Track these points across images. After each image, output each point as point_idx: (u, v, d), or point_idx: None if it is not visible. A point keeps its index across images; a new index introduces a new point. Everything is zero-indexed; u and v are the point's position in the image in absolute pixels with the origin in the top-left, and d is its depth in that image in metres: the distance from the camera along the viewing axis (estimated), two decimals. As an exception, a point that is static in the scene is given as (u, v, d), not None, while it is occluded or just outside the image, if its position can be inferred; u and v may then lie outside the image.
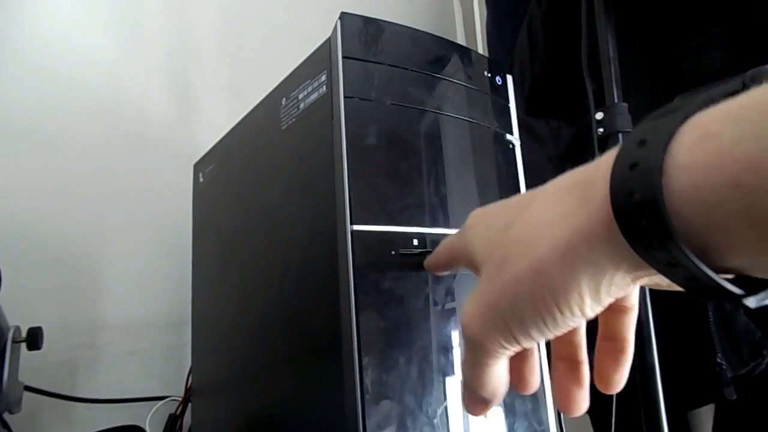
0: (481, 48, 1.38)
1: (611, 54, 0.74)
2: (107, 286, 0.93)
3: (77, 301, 0.90)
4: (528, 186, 0.94)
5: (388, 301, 0.43)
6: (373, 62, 0.48)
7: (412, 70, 0.50)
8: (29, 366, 0.71)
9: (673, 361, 0.70)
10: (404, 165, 0.47)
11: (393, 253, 0.44)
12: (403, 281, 0.44)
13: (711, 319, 0.70)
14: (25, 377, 0.70)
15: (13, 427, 0.71)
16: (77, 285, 0.90)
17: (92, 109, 0.96)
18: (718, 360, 0.68)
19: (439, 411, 0.43)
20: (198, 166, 0.82)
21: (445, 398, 0.44)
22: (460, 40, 1.51)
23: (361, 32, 0.48)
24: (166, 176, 0.98)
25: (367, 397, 0.41)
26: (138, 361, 0.92)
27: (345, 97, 0.46)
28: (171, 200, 0.94)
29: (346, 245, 0.43)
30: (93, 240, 0.93)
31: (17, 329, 0.66)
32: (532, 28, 1.02)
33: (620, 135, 0.71)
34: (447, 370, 0.45)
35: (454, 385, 0.44)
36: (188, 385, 0.83)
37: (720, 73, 0.79)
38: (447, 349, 0.45)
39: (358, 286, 0.43)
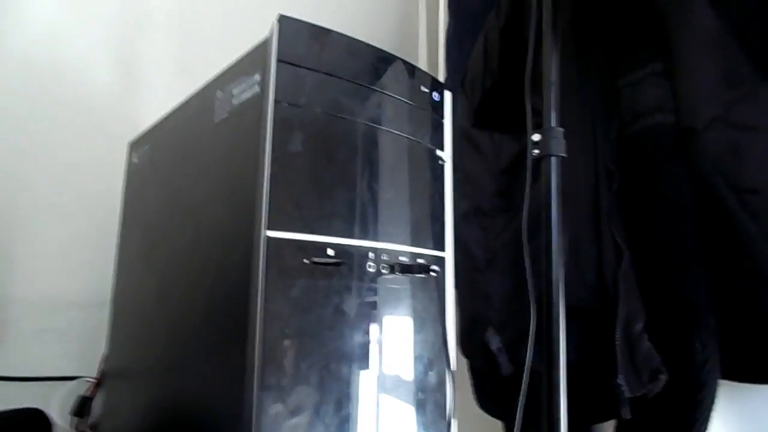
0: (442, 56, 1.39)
1: (553, 78, 0.76)
2: (26, 260, 0.89)
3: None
4: (464, 198, 0.97)
5: (295, 308, 0.44)
6: (307, 68, 0.48)
7: (346, 80, 0.50)
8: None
9: (581, 380, 0.74)
10: (327, 174, 0.47)
11: (306, 261, 0.45)
12: (314, 290, 0.45)
13: (617, 342, 0.74)
14: None
15: None
16: (-7, 256, 0.86)
17: (25, 70, 0.91)
18: (618, 381, 0.72)
19: (336, 421, 0.44)
20: (133, 146, 0.79)
21: (344, 408, 0.45)
22: (422, 45, 1.52)
23: (299, 37, 0.48)
24: (101, 149, 0.94)
25: (264, 398, 0.41)
26: (52, 340, 0.88)
27: (275, 101, 0.46)
28: (103, 175, 0.90)
29: (259, 251, 0.43)
30: (10, 211, 0.88)
31: None
32: (488, 40, 1.03)
33: (553, 158, 0.73)
34: (349, 380, 0.46)
35: (354, 395, 0.45)
36: (102, 368, 0.81)
37: (654, 108, 0.82)
38: (351, 359, 0.46)
39: (267, 291, 0.43)
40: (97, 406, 0.80)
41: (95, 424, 0.79)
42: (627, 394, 0.72)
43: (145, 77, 1.04)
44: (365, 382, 0.47)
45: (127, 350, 0.73)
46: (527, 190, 0.72)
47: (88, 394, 0.82)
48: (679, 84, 0.79)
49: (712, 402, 0.76)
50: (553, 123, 0.75)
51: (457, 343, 1.01)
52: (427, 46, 1.51)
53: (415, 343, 0.51)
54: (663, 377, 0.72)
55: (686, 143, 0.77)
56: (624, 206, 0.80)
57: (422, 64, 1.50)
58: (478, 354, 0.93)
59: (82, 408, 0.81)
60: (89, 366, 0.85)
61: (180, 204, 0.62)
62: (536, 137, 0.75)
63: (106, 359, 0.79)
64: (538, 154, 0.74)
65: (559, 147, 0.74)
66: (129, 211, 0.78)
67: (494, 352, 0.88)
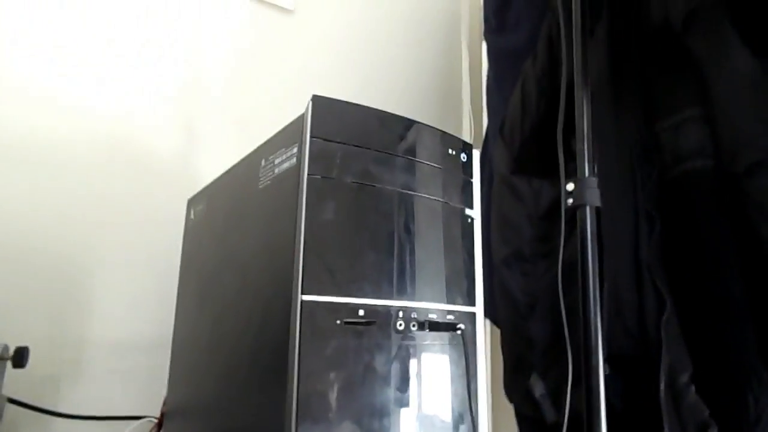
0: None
1: (585, 127, 0.77)
2: (96, 305, 0.98)
3: (66, 318, 0.95)
4: (505, 243, 0.98)
5: (329, 366, 0.47)
6: (338, 142, 0.52)
7: (376, 150, 0.54)
8: (14, 378, 0.76)
9: (624, 428, 0.73)
10: (358, 239, 0.51)
11: (338, 322, 0.48)
12: (346, 348, 0.48)
13: (661, 392, 0.73)
14: (9, 389, 0.75)
15: (-7, 438, 0.76)
16: (67, 303, 0.96)
17: (96, 135, 1.02)
18: (665, 433, 0.70)
19: (366, 474, 0.46)
20: (191, 203, 0.87)
21: (375, 461, 0.47)
22: (465, 93, 1.56)
23: (330, 113, 0.53)
24: (164, 205, 1.03)
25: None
26: (120, 380, 0.96)
27: (309, 174, 0.50)
28: (166, 229, 0.99)
29: (295, 313, 0.47)
30: (85, 260, 0.98)
31: (5, 347, 0.71)
32: (525, 87, 1.06)
33: (587, 208, 0.74)
34: (381, 433, 0.48)
35: (385, 449, 0.48)
36: (163, 409, 0.87)
37: (694, 153, 0.82)
38: (381, 413, 0.49)
39: (303, 351, 0.47)
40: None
41: (156, 462, 0.85)
42: (674, 447, 0.70)
43: (202, 140, 1.14)
44: (397, 436, 0.49)
45: (184, 391, 0.79)
46: (561, 240, 0.73)
47: (150, 433, 0.88)
48: (718, 129, 0.78)
49: (768, 459, 0.72)
50: (587, 173, 0.76)
51: (504, 387, 1.01)
52: (471, 95, 1.55)
53: (445, 397, 0.53)
54: (712, 431, 0.70)
55: (728, 188, 0.76)
56: (666, 253, 0.79)
57: (466, 114, 1.54)
58: (522, 400, 0.93)
59: (145, 447, 0.87)
60: (153, 405, 0.92)
61: (229, 261, 0.67)
62: (570, 187, 0.76)
63: (166, 400, 0.85)
64: (572, 203, 0.75)
65: (593, 197, 0.74)
66: (186, 263, 0.85)
67: (538, 399, 0.88)
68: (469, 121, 1.52)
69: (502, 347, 1.01)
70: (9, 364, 0.72)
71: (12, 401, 0.78)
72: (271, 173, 0.59)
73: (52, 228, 0.95)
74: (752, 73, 0.76)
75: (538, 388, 0.88)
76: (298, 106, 0.57)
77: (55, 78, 1.00)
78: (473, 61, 1.56)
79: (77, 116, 1.01)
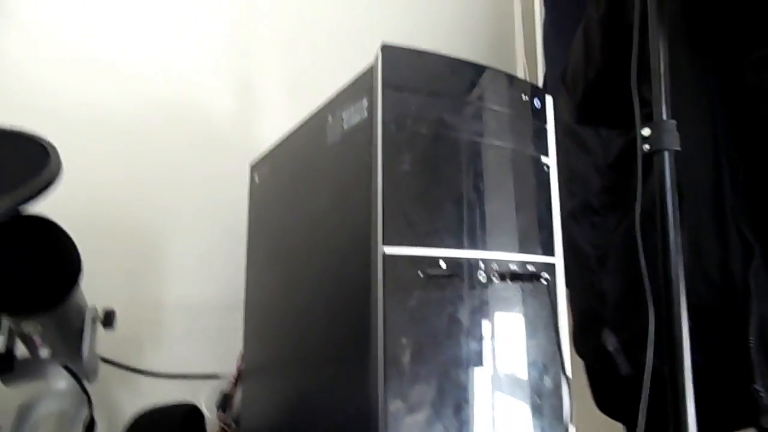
0: (540, 49, 1.36)
1: (662, 69, 0.72)
2: (171, 268, 1.02)
3: (143, 280, 0.99)
4: (571, 196, 0.95)
5: (412, 318, 0.47)
6: (410, 92, 0.51)
7: (448, 98, 0.52)
8: (103, 339, 0.80)
9: (709, 383, 0.70)
10: (435, 190, 0.50)
11: (420, 274, 0.48)
12: (428, 301, 0.48)
13: (751, 344, 0.69)
14: (99, 350, 0.80)
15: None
16: (143, 266, 1.00)
17: (159, 106, 1.04)
18: (756, 387, 0.67)
19: (453, 421, 0.46)
20: (254, 167, 0.88)
21: (461, 409, 0.47)
22: (519, 42, 1.49)
23: (401, 62, 0.51)
24: (228, 170, 1.04)
25: (388, 399, 0.45)
26: (195, 340, 1.00)
27: (383, 125, 0.49)
28: (231, 192, 1.00)
29: (377, 266, 0.47)
30: (159, 225, 1.02)
31: (94, 309, 0.75)
32: (588, 31, 1.00)
33: (666, 153, 0.70)
34: (466, 384, 0.48)
35: (471, 398, 0.48)
36: (239, 366, 0.90)
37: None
38: (466, 364, 0.48)
39: (386, 304, 0.47)
40: (237, 401, 0.90)
41: (237, 418, 0.89)
42: (766, 401, 0.67)
43: (260, 102, 1.14)
44: (481, 386, 0.49)
45: (259, 350, 0.82)
46: (639, 187, 0.70)
47: (228, 390, 0.92)
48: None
49: None
50: (665, 116, 0.72)
51: (572, 344, 0.99)
52: (524, 43, 1.48)
53: (529, 348, 0.53)
54: (807, 383, 0.66)
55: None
56: (752, 198, 0.74)
57: (520, 62, 1.47)
58: (594, 354, 0.91)
59: (225, 403, 0.91)
60: (229, 363, 0.96)
61: (299, 220, 0.68)
62: (646, 132, 0.72)
63: (243, 358, 0.88)
64: (649, 149, 0.71)
65: (672, 141, 0.70)
66: (254, 224, 0.86)
67: (611, 352, 0.86)
68: (524, 71, 1.46)
69: (571, 303, 0.99)
70: (99, 325, 0.76)
71: (104, 360, 0.83)
72: (339, 129, 0.58)
73: (125, 197, 0.99)
74: None
75: (611, 341, 0.86)
76: (354, 62, 0.56)
77: (113, 46, 1.02)
78: (526, 6, 1.49)
79: (137, 84, 1.04)
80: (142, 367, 0.93)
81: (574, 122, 0.97)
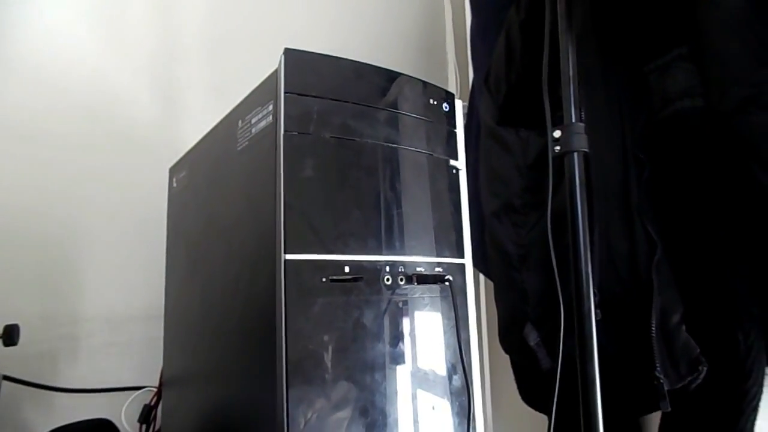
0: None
1: (571, 73, 0.75)
2: (88, 279, 0.97)
3: (59, 294, 0.94)
4: (494, 196, 0.97)
5: (317, 324, 0.47)
6: (313, 96, 0.50)
7: (354, 103, 0.52)
8: (12, 356, 0.76)
9: (620, 371, 0.74)
10: (340, 196, 0.50)
11: (324, 279, 0.48)
12: (334, 306, 0.48)
13: (653, 334, 0.73)
14: (6, 368, 0.75)
15: (-6, 416, 0.76)
16: (59, 279, 0.95)
17: (76, 108, 0.99)
18: (656, 373, 0.71)
19: (361, 427, 0.47)
20: (172, 171, 0.85)
21: (369, 414, 0.47)
22: (450, 45, 1.51)
23: (305, 67, 0.51)
24: (147, 175, 1.01)
25: (292, 406, 0.45)
26: (117, 352, 0.96)
27: (285, 131, 0.49)
28: (151, 198, 0.97)
29: (280, 273, 0.47)
30: (74, 235, 0.97)
31: (-8, 326, 0.71)
32: (509, 36, 1.03)
33: (575, 154, 0.73)
34: (373, 388, 0.49)
35: (378, 402, 0.48)
36: (161, 377, 0.87)
37: (682, 93, 0.80)
38: (373, 368, 0.49)
39: (289, 311, 0.46)
40: (160, 414, 0.87)
41: (159, 431, 0.86)
42: (666, 387, 0.71)
43: (181, 102, 1.11)
44: (388, 390, 0.50)
45: (179, 360, 0.79)
46: (549, 188, 0.73)
47: (151, 403, 0.89)
48: (706, 66, 0.77)
49: (759, 392, 0.74)
50: (574, 119, 0.75)
51: (499, 340, 1.02)
52: (455, 47, 1.51)
53: (437, 349, 0.53)
54: (703, 368, 0.71)
55: (717, 128, 0.75)
56: (656, 196, 0.79)
57: (451, 66, 1.50)
58: (517, 350, 0.94)
59: (147, 416, 0.88)
60: (151, 376, 0.92)
61: (214, 226, 0.66)
62: (557, 134, 0.75)
63: (163, 368, 0.86)
64: (559, 150, 0.74)
65: (581, 142, 0.73)
66: (172, 232, 0.84)
67: (533, 347, 0.89)
68: (455, 75, 1.49)
69: (496, 300, 1.02)
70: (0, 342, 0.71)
71: (7, 378, 0.78)
72: (248, 134, 0.57)
73: (36, 205, 0.94)
74: (742, 7, 0.74)
75: (532, 337, 0.89)
76: (275, 65, 0.54)
77: (31, 53, 0.96)
78: (456, 13, 1.52)
79: (54, 91, 0.98)
80: (58, 384, 0.89)
81: (496, 123, 1.00)
